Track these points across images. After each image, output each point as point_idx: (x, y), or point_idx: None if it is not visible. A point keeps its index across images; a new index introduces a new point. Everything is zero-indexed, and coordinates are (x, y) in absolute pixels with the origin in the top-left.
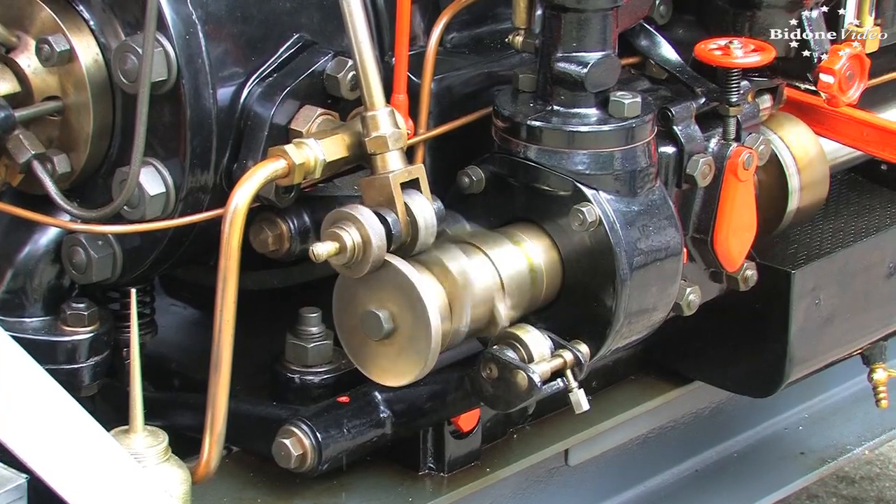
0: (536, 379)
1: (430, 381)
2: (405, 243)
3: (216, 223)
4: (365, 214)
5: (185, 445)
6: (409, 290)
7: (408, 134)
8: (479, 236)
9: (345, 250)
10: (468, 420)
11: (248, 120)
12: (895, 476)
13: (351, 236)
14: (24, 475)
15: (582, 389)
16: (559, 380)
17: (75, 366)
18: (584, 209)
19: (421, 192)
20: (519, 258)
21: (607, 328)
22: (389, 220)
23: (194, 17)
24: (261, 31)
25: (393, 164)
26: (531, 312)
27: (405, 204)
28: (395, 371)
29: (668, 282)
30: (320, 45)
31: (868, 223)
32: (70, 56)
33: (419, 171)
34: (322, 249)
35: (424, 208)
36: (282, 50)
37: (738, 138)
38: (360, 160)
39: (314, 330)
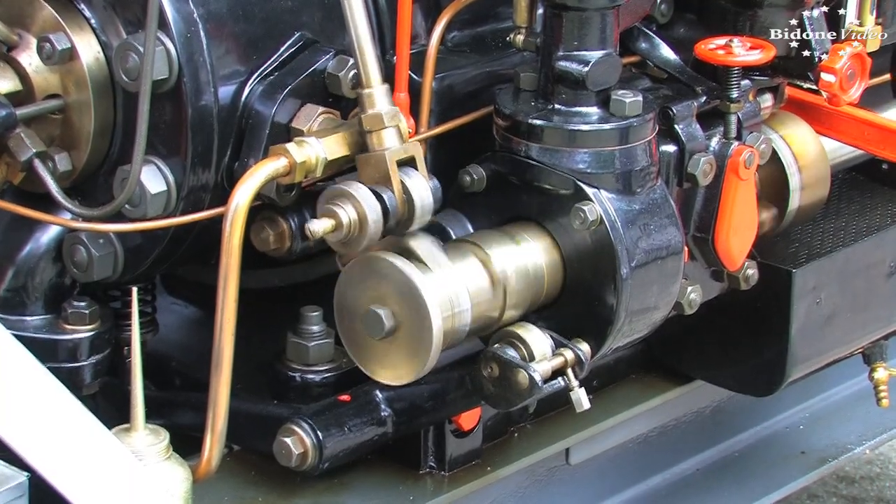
0: (537, 377)
1: (431, 380)
2: (401, 221)
3: (217, 222)
4: (361, 191)
5: (186, 444)
6: (410, 288)
7: (409, 132)
8: (480, 235)
9: (341, 227)
10: (469, 419)
11: (249, 118)
12: (895, 476)
13: (347, 213)
14: (26, 473)
15: (583, 388)
16: (560, 378)
17: (76, 364)
18: (585, 208)
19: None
20: (520, 257)
21: (608, 327)
22: (385, 197)
23: (195, 15)
24: (262, 30)
25: (389, 141)
26: (532, 311)
27: (402, 181)
28: (396, 369)
29: (669, 280)
30: (321, 44)
31: (869, 222)
32: (71, 54)
33: (416, 149)
34: (318, 226)
35: (421, 186)
36: (283, 48)
37: (739, 137)
38: None
39: (315, 328)
